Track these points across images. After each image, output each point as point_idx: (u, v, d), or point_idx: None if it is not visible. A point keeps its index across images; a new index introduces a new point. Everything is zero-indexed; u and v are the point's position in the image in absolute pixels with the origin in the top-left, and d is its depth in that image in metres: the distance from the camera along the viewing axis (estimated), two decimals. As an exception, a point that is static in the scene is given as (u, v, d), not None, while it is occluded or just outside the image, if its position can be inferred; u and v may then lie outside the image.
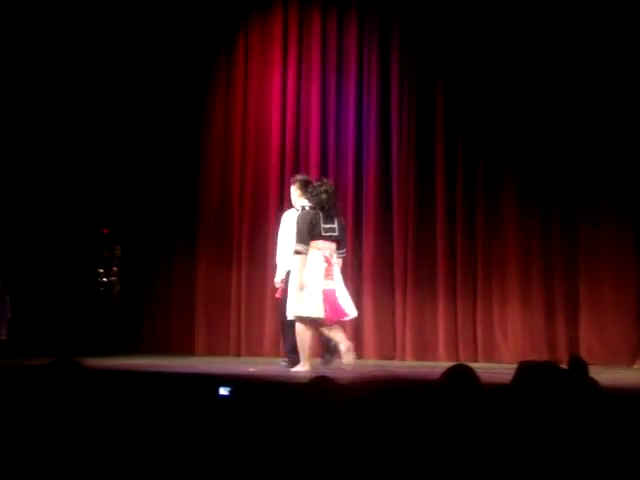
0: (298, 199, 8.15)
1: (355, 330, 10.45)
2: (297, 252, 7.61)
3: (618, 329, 9.64)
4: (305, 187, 8.04)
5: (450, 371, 3.05)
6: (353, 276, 10.52)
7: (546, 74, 9.96)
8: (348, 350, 7.58)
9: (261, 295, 10.78)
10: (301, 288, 7.55)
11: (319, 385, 3.01)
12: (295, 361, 7.90)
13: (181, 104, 11.29)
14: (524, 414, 3.20)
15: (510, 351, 9.87)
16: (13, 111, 10.75)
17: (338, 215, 7.99)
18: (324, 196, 7.73)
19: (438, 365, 8.85)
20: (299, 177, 8.34)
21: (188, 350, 10.87)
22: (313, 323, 7.63)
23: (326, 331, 7.72)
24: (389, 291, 10.47)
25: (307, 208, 7.87)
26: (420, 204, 10.47)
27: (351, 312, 7.81)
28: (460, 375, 3.00)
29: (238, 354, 10.81)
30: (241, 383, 5.25)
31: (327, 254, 7.68)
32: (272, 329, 10.60)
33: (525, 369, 3.60)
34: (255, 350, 10.76)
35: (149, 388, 4.63)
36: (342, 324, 8.09)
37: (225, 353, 10.82)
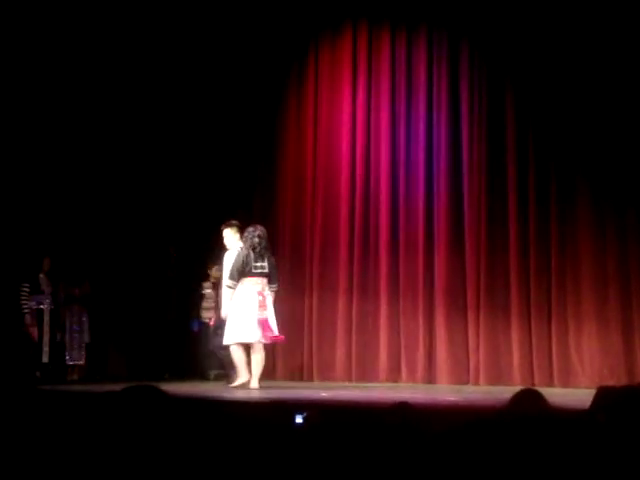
0: (236, 241, 9.18)
1: (427, 354, 10.38)
2: (228, 287, 8.92)
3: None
4: (240, 231, 9.18)
5: (517, 396, 3.01)
6: (425, 299, 10.47)
7: (613, 85, 9.86)
8: (254, 376, 8.84)
9: (333, 320, 10.78)
10: (231, 317, 8.84)
11: (401, 412, 3.00)
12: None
13: (253, 128, 11.30)
14: (604, 441, 3.13)
15: (587, 375, 9.68)
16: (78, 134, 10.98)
17: (269, 255, 9.11)
18: (256, 239, 8.95)
19: (511, 390, 8.72)
20: (234, 222, 9.33)
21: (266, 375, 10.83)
22: (245, 346, 8.89)
23: (247, 356, 8.89)
24: (462, 314, 10.34)
25: (241, 249, 9.00)
26: (491, 224, 10.35)
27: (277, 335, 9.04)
28: (527, 400, 2.96)
29: (310, 379, 10.78)
30: (317, 409, 5.25)
31: (259, 289, 8.88)
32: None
33: (604, 394, 3.53)
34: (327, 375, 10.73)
35: (220, 415, 4.65)
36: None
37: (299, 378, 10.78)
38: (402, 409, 2.99)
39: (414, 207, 10.63)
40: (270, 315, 8.91)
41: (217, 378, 10.31)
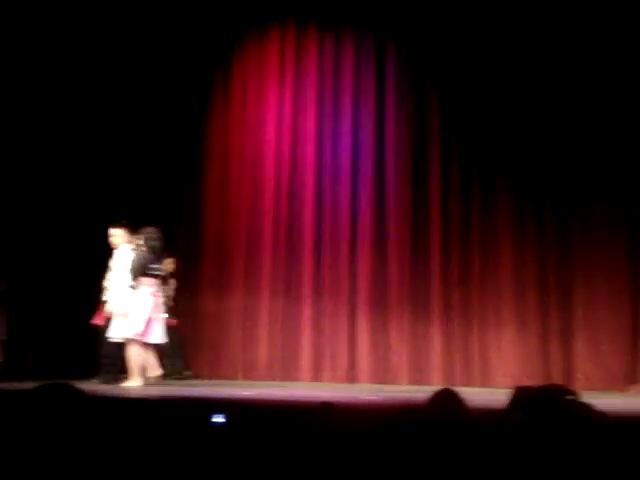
0: (125, 241, 9.28)
1: (350, 353, 10.44)
2: (130, 287, 8.92)
3: (613, 354, 9.64)
4: (131, 231, 9.25)
5: (435, 396, 3.04)
6: (348, 299, 10.53)
7: (533, 86, 10.07)
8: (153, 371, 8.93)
9: (256, 319, 10.76)
10: (131, 315, 8.83)
11: (324, 411, 3.00)
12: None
13: (178, 130, 11.19)
14: (520, 439, 3.19)
15: (505, 376, 9.85)
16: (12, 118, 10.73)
17: (164, 257, 9.27)
18: (156, 242, 9.01)
19: (432, 390, 8.81)
20: (124, 222, 9.40)
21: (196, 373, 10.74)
22: (142, 345, 8.88)
23: (144, 353, 8.90)
24: (384, 314, 10.44)
25: (140, 250, 9.03)
26: (415, 226, 10.46)
27: (162, 339, 9.07)
28: (445, 399, 2.99)
29: (235, 378, 10.75)
30: (238, 407, 5.22)
31: (154, 290, 8.97)
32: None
33: (521, 394, 3.59)
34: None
35: (141, 414, 4.60)
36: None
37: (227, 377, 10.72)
38: (325, 409, 2.99)
39: (339, 207, 10.68)
40: (158, 317, 8.99)
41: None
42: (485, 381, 9.97)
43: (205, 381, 10.24)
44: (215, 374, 10.71)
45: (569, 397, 2.93)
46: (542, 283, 10.02)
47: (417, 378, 10.16)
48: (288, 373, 10.54)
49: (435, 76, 10.53)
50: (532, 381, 9.21)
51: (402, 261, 10.45)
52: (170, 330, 9.50)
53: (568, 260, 9.95)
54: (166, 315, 9.23)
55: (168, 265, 10.04)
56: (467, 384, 9.87)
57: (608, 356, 9.65)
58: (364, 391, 8.96)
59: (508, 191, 10.23)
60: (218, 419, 4.23)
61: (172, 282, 10.42)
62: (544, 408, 2.84)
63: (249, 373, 10.67)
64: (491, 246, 10.23)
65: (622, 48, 9.82)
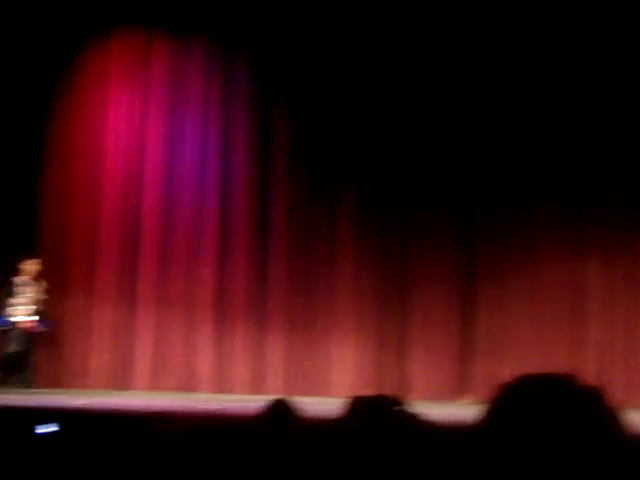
0: None
1: (189, 362, 10.36)
2: None
3: (444, 365, 9.97)
4: None
5: (269, 406, 3.06)
6: (189, 308, 10.45)
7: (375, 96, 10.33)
8: None
9: (91, 327, 10.52)
10: None
11: (156, 420, 2.97)
12: None
13: (19, 136, 10.81)
14: (355, 447, 3.25)
15: (343, 386, 10.01)
16: None
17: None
18: None
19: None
20: None
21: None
22: None
23: None
24: (225, 324, 10.43)
25: None
26: (261, 236, 10.52)
27: None
28: (279, 409, 3.02)
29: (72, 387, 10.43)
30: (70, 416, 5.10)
31: None
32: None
33: (357, 403, 3.66)
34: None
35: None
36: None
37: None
38: (157, 418, 2.96)
39: (184, 215, 10.63)
40: None
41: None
42: (322, 391, 10.09)
43: (45, 390, 9.90)
44: (57, 382, 10.36)
45: (397, 407, 3.01)
46: (380, 293, 10.25)
47: (256, 387, 10.18)
48: (126, 381, 10.36)
49: (283, 86, 10.63)
50: (368, 391, 9.38)
51: (245, 270, 10.48)
52: (29, 336, 9.18)
53: (405, 270, 10.22)
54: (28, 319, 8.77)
55: (32, 266, 9.66)
56: (305, 394, 9.97)
57: (440, 367, 9.97)
58: (202, 400, 8.92)
59: (352, 200, 10.42)
60: (48, 429, 4.11)
61: (42, 284, 10.02)
62: (373, 418, 2.91)
63: (86, 381, 10.40)
64: (333, 256, 10.39)
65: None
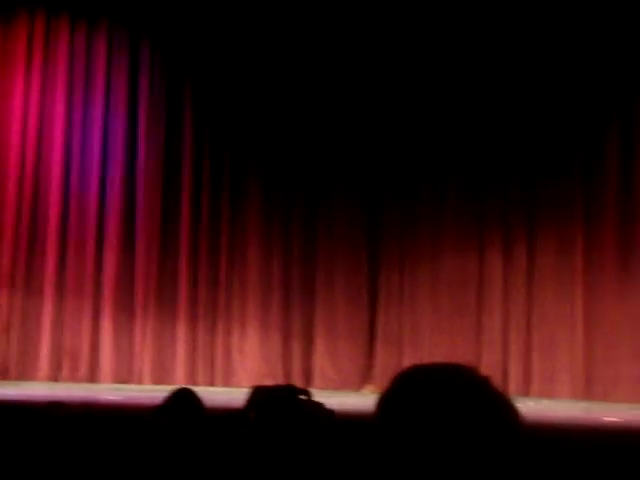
0: None
1: (92, 352, 10.20)
2: None
3: (349, 355, 10.07)
4: None
5: (172, 395, 3.03)
6: (93, 299, 10.27)
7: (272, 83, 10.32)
8: None
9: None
10: None
11: (52, 410, 2.92)
12: None
13: None
14: (256, 436, 3.26)
15: (248, 376, 10.01)
16: None
17: None
18: None
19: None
20: None
21: None
22: None
23: None
24: (130, 314, 10.30)
25: None
26: (165, 226, 10.41)
27: None
28: (182, 399, 3.00)
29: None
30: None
31: None
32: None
33: (257, 393, 3.67)
34: None
35: None
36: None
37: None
38: (53, 408, 2.91)
39: (86, 204, 10.41)
40: None
41: None
42: (228, 381, 10.07)
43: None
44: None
45: (299, 397, 3.03)
46: (286, 284, 10.28)
47: (161, 378, 10.09)
48: (25, 372, 10.12)
49: (189, 74, 10.54)
50: (274, 381, 9.42)
51: (150, 261, 10.35)
52: None
53: (311, 262, 10.28)
54: None
55: None
56: (210, 384, 9.94)
57: (345, 357, 10.06)
58: (104, 391, 8.79)
59: (258, 190, 10.41)
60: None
61: None
62: (277, 407, 2.92)
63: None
64: (239, 248, 10.37)
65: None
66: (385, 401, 1.10)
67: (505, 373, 9.48)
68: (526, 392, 9.35)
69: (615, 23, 9.21)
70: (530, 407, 7.91)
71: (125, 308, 10.30)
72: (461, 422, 1.04)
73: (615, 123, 9.40)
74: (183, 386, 3.35)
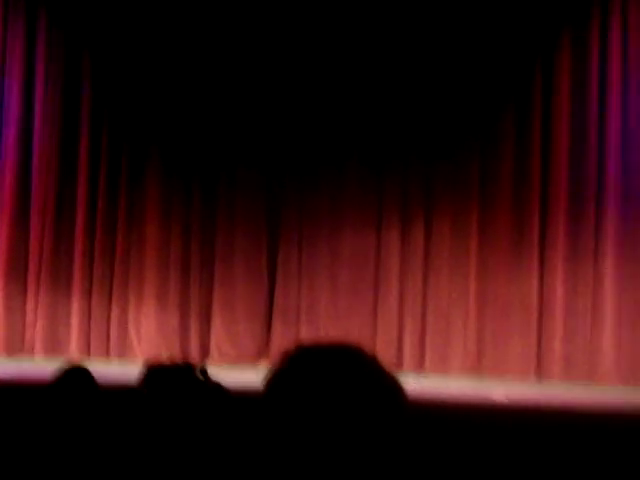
0: None
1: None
2: None
3: (247, 330, 10.08)
4: None
5: (63, 372, 2.99)
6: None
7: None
8: None
9: None
10: None
11: None
12: None
13: None
14: (149, 415, 3.24)
15: (143, 350, 9.93)
16: None
17: None
18: None
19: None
20: None
21: None
22: None
23: None
24: (21, 287, 10.10)
25: None
26: (60, 202, 10.21)
27: None
28: (74, 376, 2.96)
29: None
30: None
31: None
32: None
33: (150, 370, 3.64)
34: None
35: None
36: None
37: None
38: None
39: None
40: None
41: None
42: (123, 356, 9.98)
43: None
44: None
45: (194, 374, 3.02)
46: (185, 262, 10.21)
47: (53, 351, 9.94)
48: None
49: (87, 45, 10.31)
50: (170, 356, 9.37)
51: (44, 232, 10.15)
52: None
53: (211, 240, 10.22)
54: None
55: None
56: (105, 359, 9.84)
57: (242, 333, 10.07)
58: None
59: (158, 164, 10.28)
60: None
61: None
62: (172, 384, 2.91)
63: None
64: (137, 221, 10.24)
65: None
66: (271, 379, 1.12)
67: (400, 350, 9.66)
68: (420, 369, 9.56)
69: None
70: (423, 383, 8.09)
71: (17, 279, 10.10)
72: (346, 399, 1.07)
73: (510, 106, 9.64)
74: (76, 362, 3.31)
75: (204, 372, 3.86)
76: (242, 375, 7.67)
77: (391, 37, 9.78)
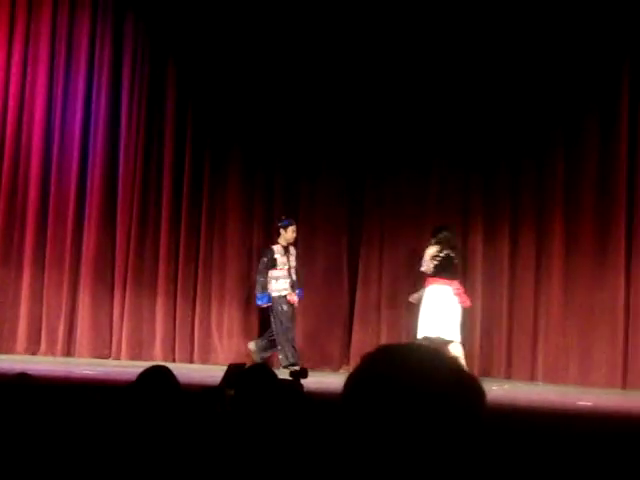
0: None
1: (70, 327, 10.19)
2: None
3: (328, 335, 10.08)
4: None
5: (145, 373, 3.03)
6: (71, 271, 10.26)
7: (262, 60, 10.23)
8: None
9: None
10: None
11: (20, 382, 2.92)
12: None
13: None
14: (233, 412, 3.28)
15: (225, 353, 10.01)
16: None
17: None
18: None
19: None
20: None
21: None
22: None
23: None
24: (108, 289, 10.27)
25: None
26: (145, 201, 10.37)
27: None
28: (155, 376, 3.00)
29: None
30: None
31: None
32: None
33: (233, 371, 3.70)
34: None
35: None
36: None
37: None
38: (21, 379, 2.92)
39: (67, 177, 10.38)
40: None
41: None
42: (206, 359, 10.08)
43: None
44: None
45: (274, 375, 3.05)
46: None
47: (138, 354, 10.09)
48: (2, 346, 10.11)
49: (172, 48, 10.47)
50: (250, 359, 9.43)
51: (130, 235, 10.32)
52: None
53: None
54: None
55: None
56: (189, 361, 9.96)
57: (324, 338, 10.08)
58: (81, 365, 8.81)
59: (239, 167, 10.34)
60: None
61: None
62: (253, 385, 2.95)
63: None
64: (219, 222, 10.33)
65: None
66: (351, 381, 1.12)
67: (486, 356, 9.60)
68: (507, 375, 9.48)
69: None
70: (508, 391, 7.96)
71: (103, 282, 10.27)
72: (429, 398, 1.06)
73: (595, 111, 9.46)
74: (158, 363, 3.36)
75: (302, 373, 3.89)
76: (325, 378, 7.70)
77: (479, 43, 9.71)
